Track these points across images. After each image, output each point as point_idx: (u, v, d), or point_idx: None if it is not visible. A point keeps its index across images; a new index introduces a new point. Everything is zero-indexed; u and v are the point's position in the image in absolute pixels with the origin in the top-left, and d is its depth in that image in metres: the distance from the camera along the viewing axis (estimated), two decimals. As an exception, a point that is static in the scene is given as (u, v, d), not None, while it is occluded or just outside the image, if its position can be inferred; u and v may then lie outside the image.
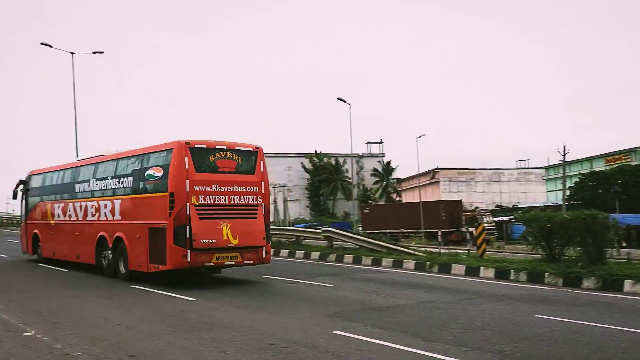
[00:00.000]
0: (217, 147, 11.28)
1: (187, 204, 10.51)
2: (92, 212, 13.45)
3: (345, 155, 65.08)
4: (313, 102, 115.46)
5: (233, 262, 11.23)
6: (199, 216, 10.56)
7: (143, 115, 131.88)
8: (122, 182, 12.42)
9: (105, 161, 13.44)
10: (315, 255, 19.90)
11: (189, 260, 10.53)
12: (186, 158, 10.67)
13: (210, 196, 10.84)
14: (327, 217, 58.15)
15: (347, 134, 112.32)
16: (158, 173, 11.13)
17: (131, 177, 12.08)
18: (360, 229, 36.75)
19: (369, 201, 60.49)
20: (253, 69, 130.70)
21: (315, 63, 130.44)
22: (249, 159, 11.64)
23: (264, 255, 11.61)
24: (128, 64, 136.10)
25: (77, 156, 21.98)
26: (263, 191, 11.56)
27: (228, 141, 11.54)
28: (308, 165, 65.83)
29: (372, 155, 70.21)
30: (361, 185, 66.63)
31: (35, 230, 16.93)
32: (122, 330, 7.78)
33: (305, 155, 66.41)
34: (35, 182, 17.56)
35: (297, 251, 20.63)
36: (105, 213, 12.85)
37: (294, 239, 22.96)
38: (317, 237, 22.41)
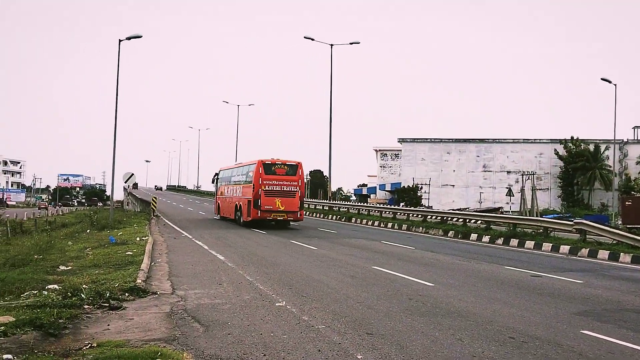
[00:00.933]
0: (276, 162, 24.20)
1: (260, 189, 23.59)
2: (233, 192, 27.98)
3: (606, 141, 57.47)
4: (567, 85, 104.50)
5: (281, 218, 24.33)
6: (264, 194, 23.75)
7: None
8: (240, 177, 26.49)
9: (237, 167, 28.16)
10: (564, 248, 18.07)
11: (259, 215, 23.71)
12: (261, 168, 23.81)
13: (271, 186, 23.98)
14: (581, 208, 52.22)
15: (607, 118, 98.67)
16: (251, 174, 24.54)
17: (244, 176, 25.82)
18: (619, 222, 32.11)
19: (632, 192, 52.17)
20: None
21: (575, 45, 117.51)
22: (293, 168, 24.42)
23: (299, 216, 24.55)
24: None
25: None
26: (300, 184, 24.48)
27: (283, 159, 24.43)
28: (562, 152, 59.78)
29: (638, 142, 60.31)
30: (623, 174, 57.97)
31: (218, 201, 32.04)
32: (363, 308, 8.24)
33: (560, 142, 60.42)
34: (221, 174, 31.90)
35: (544, 243, 18.97)
36: (236, 193, 27.26)
37: (541, 230, 21.13)
38: (568, 229, 20.26)
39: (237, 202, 27.24)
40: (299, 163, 25.21)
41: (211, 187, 53.53)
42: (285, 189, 24.76)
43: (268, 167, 24.73)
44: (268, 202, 24.46)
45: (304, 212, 31.63)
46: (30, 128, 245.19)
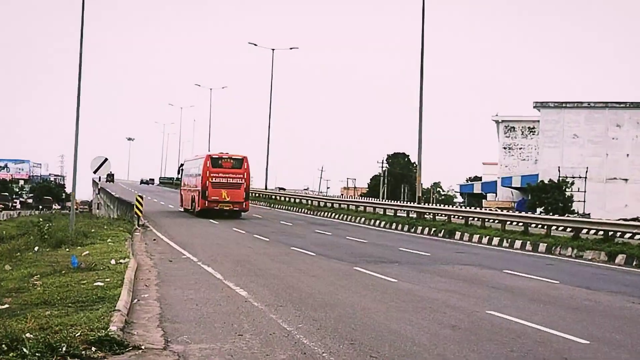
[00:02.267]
0: (223, 156, 41.92)
1: (207, 181, 40.87)
2: (190, 183, 44.83)
3: None
4: None
5: (227, 208, 41.21)
6: (211, 186, 40.81)
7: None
8: (195, 170, 43.44)
9: (195, 159, 45.99)
10: None
11: (206, 205, 40.88)
12: (208, 161, 41.40)
13: (217, 178, 41.02)
14: None
15: None
16: (202, 166, 41.78)
17: (197, 168, 42.97)
18: None
19: None
20: None
21: None
22: (239, 161, 41.77)
23: (244, 207, 41.72)
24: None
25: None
26: (246, 177, 41.68)
27: (229, 152, 42.64)
28: None
29: None
30: None
31: (181, 193, 48.83)
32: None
33: None
34: (185, 166, 48.41)
35: None
36: (192, 184, 44.38)
37: None
38: None
39: (192, 194, 44.26)
40: (244, 157, 42.47)
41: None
42: (231, 181, 41.56)
43: (215, 161, 41.84)
44: (215, 193, 41.26)
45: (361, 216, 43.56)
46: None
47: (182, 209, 47.31)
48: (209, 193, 40.88)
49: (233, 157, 41.98)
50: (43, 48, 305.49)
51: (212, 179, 40.94)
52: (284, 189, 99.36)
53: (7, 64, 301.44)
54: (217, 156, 42.03)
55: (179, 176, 52.26)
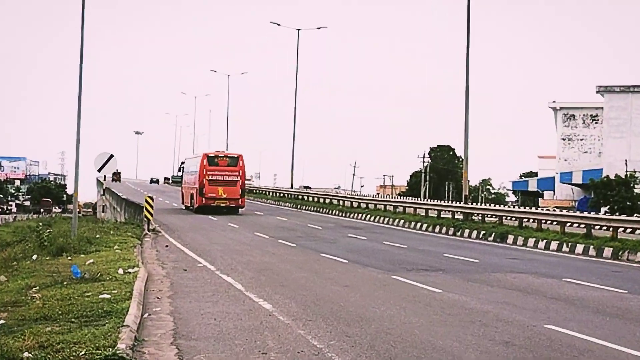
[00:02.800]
0: (218, 155, 50.32)
1: (204, 179, 48.06)
2: (190, 181, 52.81)
3: None
4: None
5: (223, 205, 48.41)
6: (208, 184, 47.91)
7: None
8: (194, 168, 51.06)
9: (193, 158, 55.44)
10: None
11: (203, 202, 48.09)
12: (205, 160, 48.95)
13: (214, 176, 48.11)
14: None
15: None
16: (199, 165, 49.18)
17: (195, 166, 50.51)
18: None
19: None
20: None
21: None
22: (234, 159, 49.36)
23: (240, 203, 49.11)
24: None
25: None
26: (241, 174, 49.35)
27: (225, 151, 55.50)
28: None
29: None
30: None
31: (182, 191, 56.65)
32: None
33: None
34: (185, 164, 57.50)
35: None
36: (191, 182, 51.94)
37: None
38: None
39: (191, 191, 51.18)
40: (239, 155, 49.93)
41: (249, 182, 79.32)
42: (227, 178, 48.27)
43: (211, 159, 48.82)
44: (211, 190, 47.80)
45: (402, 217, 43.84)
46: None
47: (184, 207, 54.49)
48: (206, 190, 47.92)
49: (229, 155, 50.50)
50: (42, 35, 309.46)
51: (208, 177, 47.99)
52: (310, 188, 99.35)
53: (3, 55, 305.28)
54: (213, 154, 50.07)
55: (180, 174, 62.71)
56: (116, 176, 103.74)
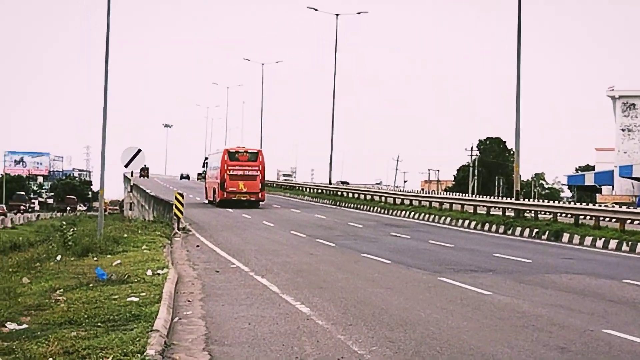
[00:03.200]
0: (239, 150, 55.85)
1: (225, 173, 53.62)
2: (212, 176, 59.26)
3: None
4: None
5: (244, 198, 53.53)
6: (229, 178, 53.33)
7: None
8: (216, 164, 57.08)
9: (215, 153, 62.20)
10: None
11: (225, 196, 53.37)
12: (225, 155, 54.55)
13: (234, 171, 53.71)
14: None
15: None
16: (220, 160, 55.06)
17: (217, 162, 56.55)
18: None
19: None
20: None
21: None
22: (254, 155, 55.75)
23: (260, 197, 54.52)
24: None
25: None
26: (261, 169, 54.77)
27: (245, 147, 58.33)
28: None
29: None
30: None
31: (206, 186, 64.28)
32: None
33: None
34: (208, 160, 67.41)
35: None
36: (213, 177, 58.11)
37: None
38: None
39: (213, 186, 56.48)
40: (259, 150, 57.12)
41: (271, 178, 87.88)
42: (247, 173, 53.21)
43: (232, 155, 53.80)
44: (232, 184, 52.72)
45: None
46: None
47: (207, 201, 59.51)
48: (227, 184, 52.96)
49: (249, 150, 55.74)
50: (67, 27, 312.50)
51: (229, 172, 53.02)
52: (347, 183, 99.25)
53: (25, 44, 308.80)
54: (234, 150, 55.14)
55: (204, 169, 70.09)
56: (144, 172, 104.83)
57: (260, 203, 54.41)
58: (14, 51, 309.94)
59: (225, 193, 52.73)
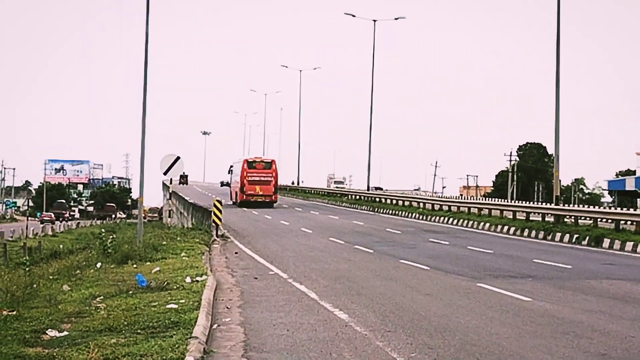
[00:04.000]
0: (256, 160, 68.35)
1: (244, 179, 64.78)
2: (234, 181, 70.85)
3: None
4: None
5: (260, 200, 63.99)
6: (247, 183, 64.44)
7: None
8: (238, 171, 67.79)
9: (237, 162, 71.41)
10: None
11: (244, 198, 64.18)
12: (245, 164, 65.95)
13: (252, 177, 64.94)
14: None
15: None
16: (240, 168, 66.53)
17: (238, 169, 67.86)
18: None
19: None
20: None
21: None
22: (268, 163, 67.23)
23: (273, 199, 65.43)
24: None
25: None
26: (274, 175, 66.22)
27: (261, 157, 74.65)
28: None
29: None
30: None
31: (230, 190, 75.69)
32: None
33: None
34: (233, 167, 73.00)
35: None
36: (236, 182, 69.13)
37: None
38: None
39: (235, 190, 66.50)
40: (272, 160, 66.89)
41: (322, 185, 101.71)
42: (262, 179, 62.53)
43: (250, 164, 63.52)
44: (250, 188, 62.09)
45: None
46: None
47: (231, 202, 67.04)
48: (246, 188, 63.09)
49: (264, 160, 67.03)
50: (107, 34, 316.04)
51: (248, 178, 63.13)
52: (381, 189, 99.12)
53: (65, 54, 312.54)
54: (252, 160, 66.26)
55: (230, 176, 77.22)
56: (183, 179, 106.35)
57: (274, 204, 64.33)
58: (53, 60, 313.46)
59: (244, 195, 62.74)
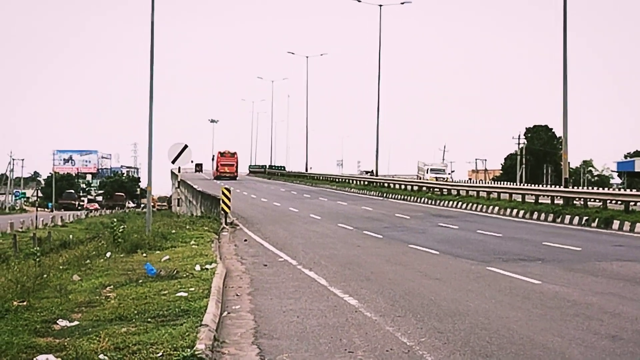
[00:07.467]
0: (224, 152, 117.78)
1: (218, 163, 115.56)
2: (214, 165, 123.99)
3: None
4: None
5: (227, 176, 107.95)
6: (220, 166, 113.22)
7: None
8: (215, 158, 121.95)
9: (215, 154, 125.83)
10: None
11: (217, 174, 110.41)
12: (218, 154, 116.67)
13: (222, 161, 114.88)
14: None
15: None
16: (216, 157, 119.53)
17: (215, 157, 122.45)
18: None
19: None
20: None
21: None
22: (233, 154, 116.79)
23: (235, 174, 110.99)
24: None
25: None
26: (236, 161, 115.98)
27: (228, 150, 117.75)
28: None
29: None
30: None
31: (212, 171, 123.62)
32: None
33: None
34: (214, 156, 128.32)
35: None
36: (214, 165, 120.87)
37: None
38: None
39: (213, 169, 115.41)
40: (235, 152, 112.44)
41: (331, 171, 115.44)
42: (228, 163, 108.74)
43: (222, 154, 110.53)
44: (221, 168, 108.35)
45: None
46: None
47: (211, 178, 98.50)
48: (219, 168, 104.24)
49: (230, 151, 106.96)
50: (113, 23, 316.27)
51: (220, 162, 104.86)
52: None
53: (72, 45, 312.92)
54: (223, 151, 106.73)
55: (213, 162, 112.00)
56: (198, 167, 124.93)
57: (237, 178, 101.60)
58: (61, 51, 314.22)
59: (218, 172, 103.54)
